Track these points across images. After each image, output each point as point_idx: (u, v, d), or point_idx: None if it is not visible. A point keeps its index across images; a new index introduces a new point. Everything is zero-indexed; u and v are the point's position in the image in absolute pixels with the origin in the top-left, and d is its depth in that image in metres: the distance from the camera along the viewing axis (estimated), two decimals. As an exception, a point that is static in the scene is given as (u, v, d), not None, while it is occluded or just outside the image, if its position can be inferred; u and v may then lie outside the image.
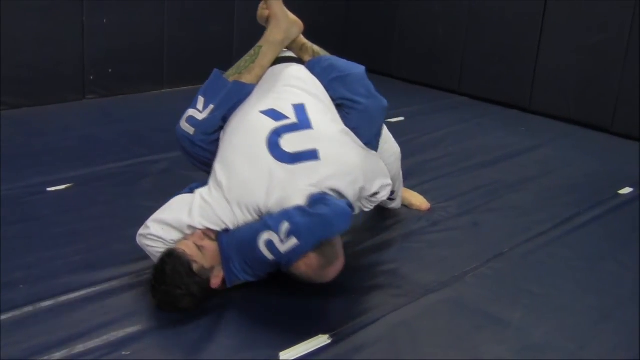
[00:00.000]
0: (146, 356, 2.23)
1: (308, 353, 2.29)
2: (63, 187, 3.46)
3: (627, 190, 3.82)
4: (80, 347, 2.24)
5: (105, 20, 4.94)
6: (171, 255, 2.38)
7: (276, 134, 2.50)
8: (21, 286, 2.57)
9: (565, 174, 4.07)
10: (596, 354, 2.37)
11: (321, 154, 2.46)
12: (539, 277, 2.85)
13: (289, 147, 2.47)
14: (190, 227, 2.45)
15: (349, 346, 2.35)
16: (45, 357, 2.19)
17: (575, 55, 5.02)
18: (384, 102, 2.68)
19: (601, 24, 4.85)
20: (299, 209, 2.32)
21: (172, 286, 2.36)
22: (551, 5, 5.09)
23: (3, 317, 2.37)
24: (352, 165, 2.51)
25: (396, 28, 6.10)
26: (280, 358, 2.25)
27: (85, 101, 4.98)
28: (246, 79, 2.69)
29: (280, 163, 2.44)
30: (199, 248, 2.39)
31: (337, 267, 2.40)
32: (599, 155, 4.45)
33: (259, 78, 2.72)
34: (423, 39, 5.96)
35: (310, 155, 2.46)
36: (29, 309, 2.44)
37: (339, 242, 2.42)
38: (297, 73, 2.73)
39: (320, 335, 2.36)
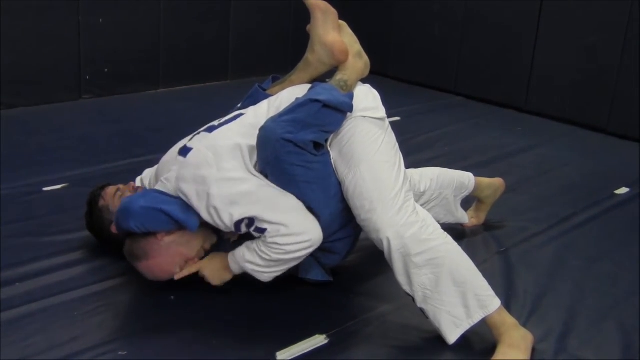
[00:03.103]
0: (143, 356, 2.23)
1: (305, 353, 2.28)
2: (59, 186, 3.46)
3: (623, 190, 3.82)
4: (76, 347, 2.23)
5: (101, 20, 4.94)
6: (97, 188, 2.80)
7: (203, 130, 2.61)
8: (17, 284, 2.57)
9: (561, 174, 4.07)
10: (594, 354, 2.37)
11: (189, 154, 2.47)
12: (535, 277, 2.85)
13: (190, 141, 2.56)
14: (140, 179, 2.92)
15: (345, 346, 2.35)
16: (42, 357, 2.18)
17: (571, 55, 5.03)
18: (281, 134, 2.32)
19: (597, 24, 4.86)
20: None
21: (87, 209, 2.79)
22: (547, 5, 5.10)
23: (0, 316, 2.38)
24: (206, 177, 2.36)
25: (392, 28, 6.11)
26: (277, 358, 2.25)
27: (81, 101, 4.97)
28: (271, 89, 2.72)
29: (176, 150, 2.58)
30: (117, 193, 2.72)
31: (144, 265, 2.43)
32: (596, 156, 4.45)
33: (282, 90, 2.69)
34: (419, 38, 5.96)
35: (184, 151, 2.50)
36: (25, 308, 2.43)
37: (153, 246, 2.40)
38: (295, 93, 2.60)
39: (317, 336, 2.36)
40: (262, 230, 2.32)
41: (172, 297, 2.55)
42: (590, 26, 4.89)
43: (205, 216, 2.36)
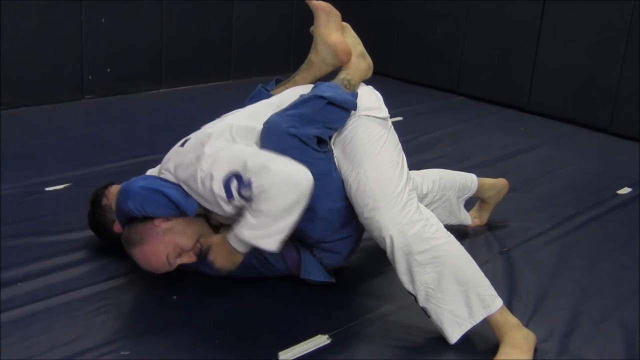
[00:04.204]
0: (145, 356, 2.23)
1: (307, 353, 2.28)
2: (61, 186, 3.46)
3: (625, 191, 3.82)
4: (78, 347, 2.24)
5: (103, 20, 4.94)
6: (100, 187, 2.81)
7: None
8: (19, 284, 2.57)
9: (563, 174, 4.07)
10: (596, 354, 2.37)
11: (186, 143, 2.48)
12: (538, 277, 2.84)
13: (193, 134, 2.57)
14: None
15: (348, 346, 2.35)
16: (44, 357, 2.18)
17: (573, 55, 5.02)
18: (285, 128, 2.37)
19: (600, 24, 4.85)
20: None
21: (89, 208, 2.79)
22: (549, 5, 5.10)
23: (2, 316, 2.37)
24: (199, 156, 2.36)
25: (395, 28, 6.11)
26: (280, 358, 2.24)
27: (83, 101, 4.97)
28: (275, 89, 2.72)
29: (177, 145, 2.56)
30: None
31: (138, 250, 2.41)
32: (598, 156, 4.45)
33: (285, 90, 2.69)
34: (421, 38, 5.96)
35: (183, 143, 2.52)
36: (27, 308, 2.43)
37: (149, 231, 2.39)
38: (298, 92, 2.61)
39: (319, 336, 2.36)
40: (248, 185, 2.24)
41: (175, 297, 2.55)
42: (593, 26, 4.89)
43: (200, 192, 2.33)
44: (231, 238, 2.31)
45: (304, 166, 2.29)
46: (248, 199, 2.26)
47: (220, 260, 2.39)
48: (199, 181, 2.32)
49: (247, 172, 2.24)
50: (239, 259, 2.38)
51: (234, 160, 2.29)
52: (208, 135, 2.44)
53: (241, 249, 2.32)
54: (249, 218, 2.25)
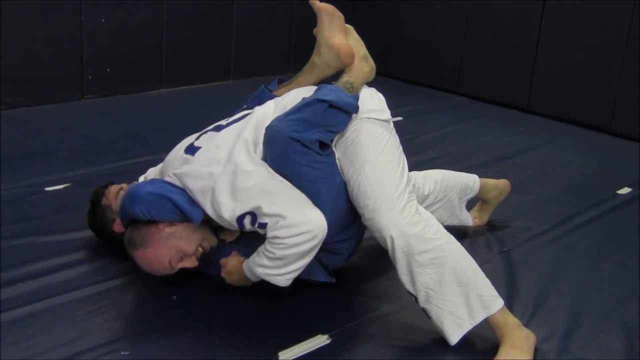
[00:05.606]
0: (145, 356, 2.23)
1: (307, 353, 2.28)
2: (61, 186, 3.46)
3: (625, 190, 3.82)
4: (78, 347, 2.24)
5: (103, 20, 4.94)
6: (100, 187, 2.82)
7: (210, 130, 2.61)
8: (19, 284, 2.57)
9: (563, 174, 4.07)
10: (596, 354, 2.37)
11: (197, 152, 2.48)
12: (538, 277, 2.84)
13: (197, 140, 2.57)
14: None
15: (348, 346, 2.35)
16: (44, 357, 2.18)
17: (573, 55, 5.02)
18: (289, 133, 2.34)
19: (600, 24, 4.85)
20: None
21: (89, 207, 2.80)
22: (549, 5, 5.10)
23: (2, 316, 2.37)
24: (213, 173, 2.37)
25: (395, 28, 6.11)
26: (280, 358, 2.24)
27: (83, 101, 4.97)
28: (277, 90, 2.72)
29: (182, 148, 2.58)
30: (120, 192, 2.72)
31: (140, 253, 2.42)
32: (598, 156, 4.45)
33: (288, 91, 2.68)
34: (422, 38, 5.96)
35: (192, 150, 2.51)
36: (27, 308, 2.43)
37: (153, 235, 2.40)
38: (301, 94, 2.60)
39: (319, 336, 2.36)
40: (264, 225, 2.30)
41: (175, 297, 2.55)
42: (593, 26, 4.89)
43: (209, 211, 2.36)
44: (245, 267, 2.42)
45: (319, 212, 2.34)
46: (261, 233, 2.34)
47: (234, 281, 2.53)
48: (209, 204, 2.35)
49: (263, 217, 2.29)
50: (251, 282, 2.50)
51: (250, 202, 2.31)
52: (228, 153, 2.42)
53: (253, 278, 2.43)
54: (263, 259, 2.34)
